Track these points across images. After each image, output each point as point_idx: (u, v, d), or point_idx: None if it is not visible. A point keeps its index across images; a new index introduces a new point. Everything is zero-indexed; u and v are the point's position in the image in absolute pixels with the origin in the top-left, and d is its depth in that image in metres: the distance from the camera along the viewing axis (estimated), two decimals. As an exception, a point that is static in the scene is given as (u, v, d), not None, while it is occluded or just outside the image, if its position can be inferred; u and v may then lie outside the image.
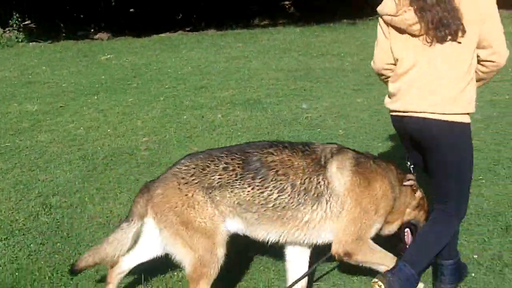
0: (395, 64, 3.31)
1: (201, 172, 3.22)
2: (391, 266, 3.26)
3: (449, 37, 3.09)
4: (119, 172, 5.69)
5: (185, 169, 3.25)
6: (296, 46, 12.14)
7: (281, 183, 3.22)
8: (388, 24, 3.29)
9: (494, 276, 3.64)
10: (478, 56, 3.19)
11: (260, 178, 3.22)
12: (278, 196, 3.21)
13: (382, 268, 3.30)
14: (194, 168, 3.24)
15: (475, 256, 3.87)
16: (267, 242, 3.32)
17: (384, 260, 3.31)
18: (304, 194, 3.22)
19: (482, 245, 4.01)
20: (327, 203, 3.24)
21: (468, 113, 3.19)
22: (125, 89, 9.18)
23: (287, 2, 17.58)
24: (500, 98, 7.30)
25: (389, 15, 3.24)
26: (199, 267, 3.17)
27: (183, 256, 3.19)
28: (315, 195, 3.23)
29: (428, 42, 3.13)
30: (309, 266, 3.50)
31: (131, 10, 18.79)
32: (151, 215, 3.25)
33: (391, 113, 3.40)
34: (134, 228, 3.34)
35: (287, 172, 3.24)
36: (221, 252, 3.18)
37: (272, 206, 3.22)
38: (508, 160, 5.42)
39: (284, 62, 10.48)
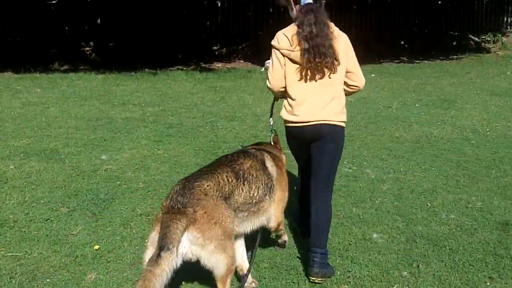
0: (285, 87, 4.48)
1: (218, 186, 3.91)
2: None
3: (327, 71, 4.39)
4: None
5: (208, 187, 3.85)
6: (97, 94, 11.89)
7: (257, 183, 4.21)
8: (284, 56, 4.45)
9: None
10: (345, 82, 4.55)
11: (247, 183, 4.13)
12: (257, 193, 4.20)
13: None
14: (214, 185, 3.89)
15: None
16: (246, 234, 4.30)
17: None
18: (266, 187, 4.29)
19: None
20: (272, 192, 4.36)
21: (344, 121, 4.52)
22: None
23: (87, 48, 17.25)
24: (288, 151, 7.69)
25: (287, 50, 4.42)
26: (230, 267, 3.83)
27: (221, 262, 3.75)
28: (269, 186, 4.34)
29: (315, 75, 4.39)
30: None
31: None
32: (195, 236, 3.64)
33: (290, 125, 4.54)
34: (177, 254, 3.58)
35: (256, 173, 4.25)
36: None
37: (255, 202, 4.19)
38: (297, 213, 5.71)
39: (85, 110, 10.20)
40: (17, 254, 4.78)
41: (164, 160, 7.32)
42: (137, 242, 5.02)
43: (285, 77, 4.47)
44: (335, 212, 5.69)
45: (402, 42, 20.25)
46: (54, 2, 15.44)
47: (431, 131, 8.97)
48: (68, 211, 5.66)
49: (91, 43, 18.20)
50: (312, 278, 4.39)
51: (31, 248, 4.88)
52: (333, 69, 4.38)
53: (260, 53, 17.50)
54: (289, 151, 4.95)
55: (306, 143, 4.57)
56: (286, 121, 4.60)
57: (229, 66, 17.21)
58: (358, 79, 4.60)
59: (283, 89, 4.53)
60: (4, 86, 12.85)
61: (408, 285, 4.41)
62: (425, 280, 4.47)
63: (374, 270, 4.63)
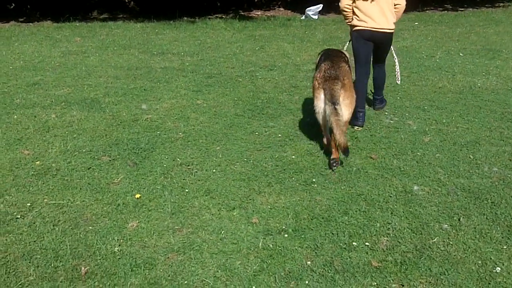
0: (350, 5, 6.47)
1: (349, 68, 6.05)
2: None
3: None
4: None
5: (347, 67, 6.01)
6: (136, 43, 11.90)
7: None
8: None
9: (326, 283, 3.77)
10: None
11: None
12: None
13: None
14: (347, 66, 6.05)
15: (308, 263, 4.00)
16: None
17: None
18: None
19: (315, 251, 4.15)
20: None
21: (394, 28, 6.58)
22: None
23: (127, -4, 17.22)
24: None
25: None
26: (350, 117, 5.88)
27: (348, 112, 5.73)
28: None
29: None
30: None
31: (-43, -5, 17.40)
32: (343, 94, 5.60)
33: (360, 29, 6.47)
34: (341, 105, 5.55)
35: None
36: None
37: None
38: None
39: (124, 59, 10.23)
40: (60, 202, 4.86)
41: (203, 110, 7.32)
42: (178, 192, 5.05)
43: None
44: (375, 164, 5.65)
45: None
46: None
47: (475, 82, 8.74)
48: (110, 160, 5.72)
49: (130, -9, 18.15)
50: (376, 108, 7.31)
51: (74, 196, 4.96)
52: None
53: (300, 0, 17.25)
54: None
55: (371, 42, 6.54)
56: (356, 27, 6.51)
57: (269, 14, 16.99)
58: (401, 0, 6.61)
59: (349, 6, 6.48)
60: (44, 35, 12.96)
61: (448, 238, 4.36)
62: (466, 233, 4.41)
63: (414, 222, 4.59)
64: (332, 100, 5.45)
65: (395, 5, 6.53)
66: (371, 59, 6.81)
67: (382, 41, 6.58)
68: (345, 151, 5.40)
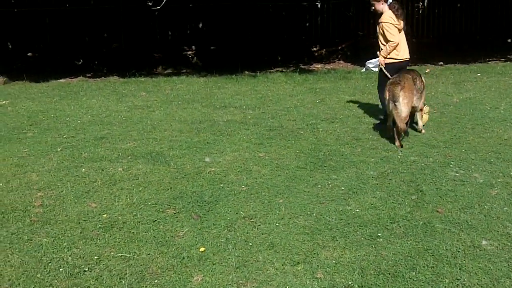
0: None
1: (412, 78, 8.28)
2: None
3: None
4: (11, 231, 5.38)
5: (408, 76, 8.18)
6: (199, 96, 12.15)
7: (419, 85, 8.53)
8: (394, 25, 8.54)
9: None
10: None
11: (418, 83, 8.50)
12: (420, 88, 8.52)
13: None
14: (411, 76, 8.25)
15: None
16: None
17: None
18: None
19: (382, 308, 4.06)
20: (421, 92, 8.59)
21: None
22: (20, 139, 8.80)
23: (190, 52, 17.67)
24: (394, 154, 7.55)
25: (396, 23, 8.60)
26: (408, 115, 8.01)
27: (405, 110, 7.86)
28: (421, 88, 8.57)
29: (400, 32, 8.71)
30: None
31: (29, 54, 18.24)
32: (402, 94, 7.78)
33: (395, 61, 8.68)
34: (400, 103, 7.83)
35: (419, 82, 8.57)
36: None
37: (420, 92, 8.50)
38: (403, 217, 5.58)
39: (188, 113, 10.44)
40: (126, 255, 4.93)
41: (265, 162, 7.36)
42: (241, 245, 5.06)
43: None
44: (442, 218, 5.53)
45: (509, 40, 19.44)
46: (157, 8, 15.89)
47: (543, 133, 8.53)
48: (174, 213, 5.79)
49: (193, 47, 18.66)
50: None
51: (140, 249, 5.03)
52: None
53: (360, 53, 17.32)
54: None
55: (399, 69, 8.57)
56: (393, 59, 8.66)
57: (329, 67, 17.11)
58: None
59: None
60: (111, 90, 13.38)
61: (522, 296, 4.21)
62: (540, 291, 4.25)
63: (484, 278, 4.45)
64: (393, 99, 7.75)
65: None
66: None
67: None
68: (405, 132, 7.94)
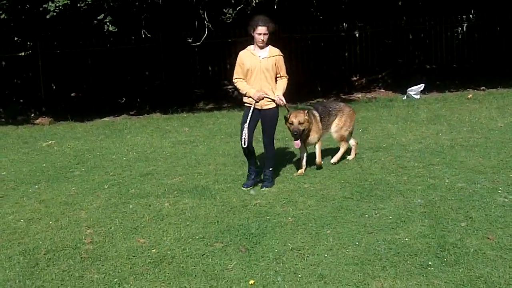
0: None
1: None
2: None
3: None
4: (62, 268, 5.48)
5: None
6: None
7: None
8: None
9: None
10: None
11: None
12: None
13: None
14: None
15: None
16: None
17: None
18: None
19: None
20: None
21: None
22: (68, 177, 8.98)
23: (230, 87, 17.83)
24: (441, 182, 7.45)
25: None
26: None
27: (345, 130, 8.78)
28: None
29: None
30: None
31: (73, 94, 18.69)
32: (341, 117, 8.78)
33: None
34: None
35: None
36: None
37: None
38: (454, 245, 5.49)
39: (230, 147, 10.52)
40: (176, 289, 4.97)
41: (310, 193, 7.35)
42: (290, 277, 5.04)
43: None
44: (493, 244, 5.43)
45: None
46: (197, 44, 16.16)
47: None
48: (222, 246, 5.81)
49: (233, 82, 18.82)
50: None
51: (190, 283, 5.05)
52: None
53: (400, 80, 17.26)
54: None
55: None
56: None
57: (370, 96, 17.07)
58: None
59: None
60: (154, 127, 13.59)
61: None
62: None
63: (542, 306, 4.34)
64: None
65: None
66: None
67: None
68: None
